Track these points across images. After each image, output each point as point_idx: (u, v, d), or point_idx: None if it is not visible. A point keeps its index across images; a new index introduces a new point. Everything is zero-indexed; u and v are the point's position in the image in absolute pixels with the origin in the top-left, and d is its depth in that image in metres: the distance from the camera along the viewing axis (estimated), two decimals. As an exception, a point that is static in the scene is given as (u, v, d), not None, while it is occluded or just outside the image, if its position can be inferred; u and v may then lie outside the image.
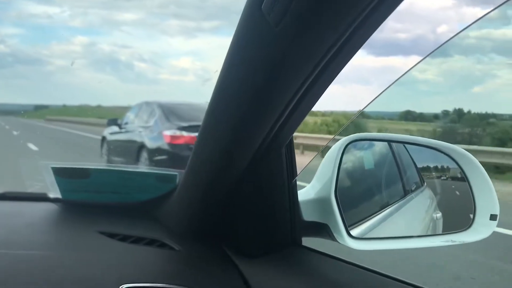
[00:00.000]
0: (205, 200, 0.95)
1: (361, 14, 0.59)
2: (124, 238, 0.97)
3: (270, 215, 0.95)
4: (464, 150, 0.94)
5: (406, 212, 1.18)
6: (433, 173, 1.23)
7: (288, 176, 0.94)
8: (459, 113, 11.92)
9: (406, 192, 1.23)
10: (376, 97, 0.84)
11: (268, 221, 0.95)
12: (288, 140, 0.91)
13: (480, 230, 0.90)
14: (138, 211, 1.11)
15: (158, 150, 6.33)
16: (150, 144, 6.61)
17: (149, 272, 0.89)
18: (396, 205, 1.17)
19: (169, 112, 6.78)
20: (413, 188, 1.26)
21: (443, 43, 0.67)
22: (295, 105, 0.78)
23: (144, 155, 6.57)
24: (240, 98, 0.76)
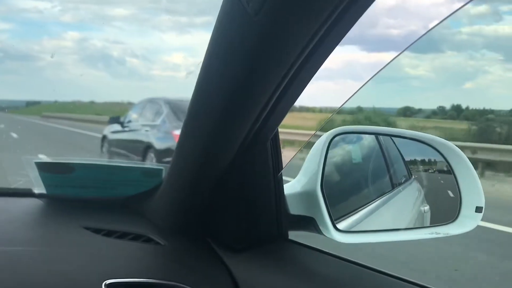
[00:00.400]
0: (190, 195, 0.94)
1: (342, 2, 0.58)
2: (109, 233, 0.96)
3: (256, 209, 0.94)
4: (450, 143, 0.94)
5: (394, 205, 1.18)
6: (421, 166, 1.23)
7: (273, 170, 0.93)
8: (457, 109, 11.94)
9: (393, 185, 1.23)
10: (355, 92, 0.84)
11: (254, 215, 0.95)
12: (273, 133, 0.90)
13: (466, 222, 0.90)
14: (124, 206, 1.10)
15: (168, 151, 5.73)
16: (158, 144, 6.25)
17: (134, 267, 0.88)
18: (384, 198, 1.17)
19: (178, 109, 6.25)
20: (400, 181, 1.26)
21: (418, 38, 0.67)
22: (278, 97, 0.77)
23: (151, 155, 6.20)
24: (222, 90, 0.75)
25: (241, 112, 0.79)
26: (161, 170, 1.05)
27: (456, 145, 0.94)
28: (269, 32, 0.63)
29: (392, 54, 0.76)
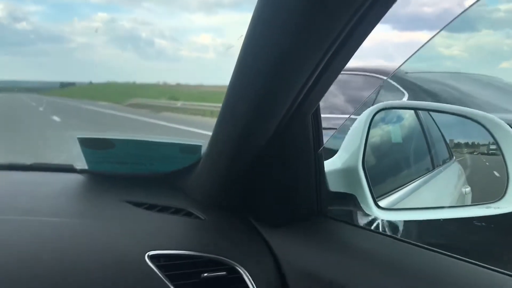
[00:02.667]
0: (229, 170, 0.94)
1: None
2: (150, 207, 0.98)
3: (296, 185, 0.94)
4: (496, 118, 0.91)
5: (434, 185, 1.16)
6: (463, 146, 1.20)
7: (314, 146, 0.92)
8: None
9: (434, 165, 1.21)
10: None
11: (294, 191, 0.94)
12: (314, 108, 0.89)
13: (513, 200, 0.88)
14: (164, 182, 1.11)
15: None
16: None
17: (176, 240, 0.89)
18: (424, 178, 1.14)
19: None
20: (441, 162, 1.24)
21: (455, 17, 0.64)
22: (321, 71, 0.76)
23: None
24: (264, 64, 0.74)
25: (282, 86, 0.78)
26: (200, 146, 1.06)
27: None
28: (313, 8, 0.62)
29: (425, 33, 0.74)
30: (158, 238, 0.88)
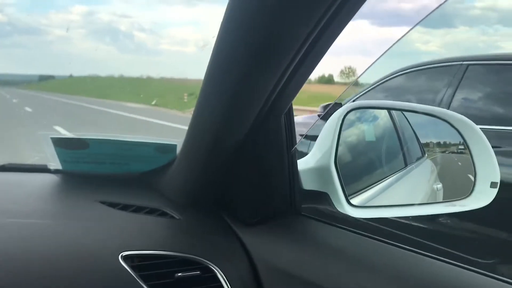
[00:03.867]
0: (204, 169, 0.95)
1: None
2: (124, 207, 0.98)
3: (270, 183, 0.95)
4: (464, 117, 0.93)
5: (407, 182, 1.18)
6: (434, 144, 1.22)
7: (287, 145, 0.93)
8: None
9: (406, 163, 1.23)
10: (368, 68, 0.83)
11: (268, 189, 0.95)
12: (287, 108, 0.90)
13: (481, 197, 0.90)
14: (139, 181, 1.11)
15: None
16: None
17: (150, 240, 0.89)
18: (397, 175, 1.17)
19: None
20: (414, 159, 1.26)
21: (430, 13, 0.66)
22: (293, 71, 0.77)
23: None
24: (237, 63, 0.75)
25: (255, 85, 0.79)
26: (175, 145, 1.06)
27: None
28: (285, 5, 0.63)
29: (404, 29, 0.76)
30: (132, 238, 0.88)
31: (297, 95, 0.88)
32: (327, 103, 4.17)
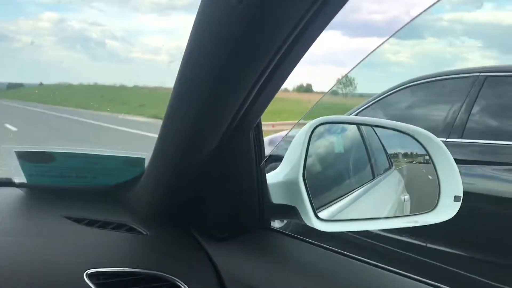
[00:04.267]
0: (172, 184, 0.94)
1: None
2: (90, 223, 0.96)
3: (238, 198, 0.95)
4: (429, 132, 0.96)
5: (374, 195, 1.20)
6: (402, 156, 1.25)
7: (256, 159, 0.93)
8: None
9: (374, 175, 1.25)
10: (340, 79, 0.85)
11: (236, 204, 0.95)
12: (255, 123, 0.90)
13: (444, 211, 0.92)
14: (106, 196, 1.09)
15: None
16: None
17: (116, 256, 0.88)
18: (365, 187, 1.18)
19: None
20: (381, 171, 1.28)
21: (405, 25, 0.67)
22: (261, 87, 0.77)
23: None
24: (205, 79, 0.75)
25: (223, 102, 0.79)
26: (143, 159, 1.05)
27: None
28: (253, 20, 0.63)
29: (375, 40, 0.77)
30: (97, 255, 0.87)
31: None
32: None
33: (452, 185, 0.92)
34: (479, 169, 3.12)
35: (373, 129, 1.21)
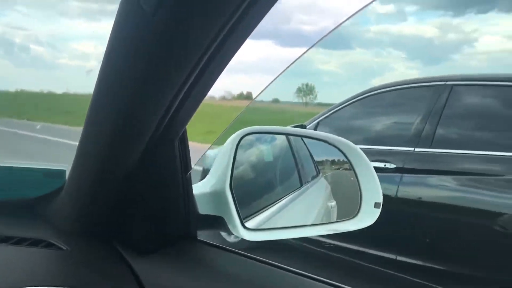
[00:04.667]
0: (93, 196, 0.91)
1: (245, 1, 0.58)
2: (5, 240, 0.90)
3: (164, 209, 0.93)
4: (350, 142, 0.99)
5: (302, 202, 1.23)
6: (330, 163, 1.28)
7: (182, 170, 0.92)
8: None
9: (302, 183, 1.28)
10: (265, 88, 0.86)
11: (162, 216, 0.94)
12: (181, 132, 0.89)
13: (365, 218, 0.96)
14: (24, 209, 1.04)
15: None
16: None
17: (33, 274, 0.83)
18: (292, 195, 1.20)
19: None
20: (309, 179, 1.31)
21: (325, 36, 0.70)
22: (184, 97, 0.76)
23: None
24: (123, 90, 0.73)
25: (145, 111, 0.77)
26: (63, 171, 1.00)
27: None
28: (169, 31, 0.62)
29: (304, 49, 0.79)
30: (12, 274, 0.81)
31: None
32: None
33: (372, 192, 0.96)
34: (434, 178, 3.26)
35: (302, 139, 1.24)
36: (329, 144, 1.01)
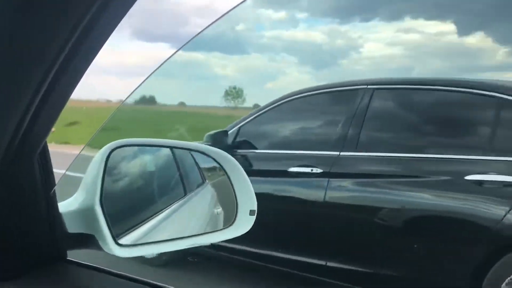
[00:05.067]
0: None
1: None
2: None
3: (27, 231, 0.86)
4: (222, 151, 0.99)
5: (186, 212, 1.21)
6: (217, 170, 1.28)
7: (44, 187, 0.86)
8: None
9: (186, 192, 1.26)
10: (135, 89, 0.84)
11: (26, 238, 0.87)
12: (40, 147, 0.83)
13: (241, 225, 0.96)
14: None
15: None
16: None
17: None
18: (175, 205, 1.18)
19: None
20: (194, 187, 1.30)
21: (193, 38, 0.69)
22: (40, 103, 0.70)
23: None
24: None
25: None
26: None
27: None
28: (18, 31, 0.57)
29: (200, 54, 0.78)
30: None
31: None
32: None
33: (247, 200, 0.97)
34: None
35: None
36: (204, 154, 1.00)
